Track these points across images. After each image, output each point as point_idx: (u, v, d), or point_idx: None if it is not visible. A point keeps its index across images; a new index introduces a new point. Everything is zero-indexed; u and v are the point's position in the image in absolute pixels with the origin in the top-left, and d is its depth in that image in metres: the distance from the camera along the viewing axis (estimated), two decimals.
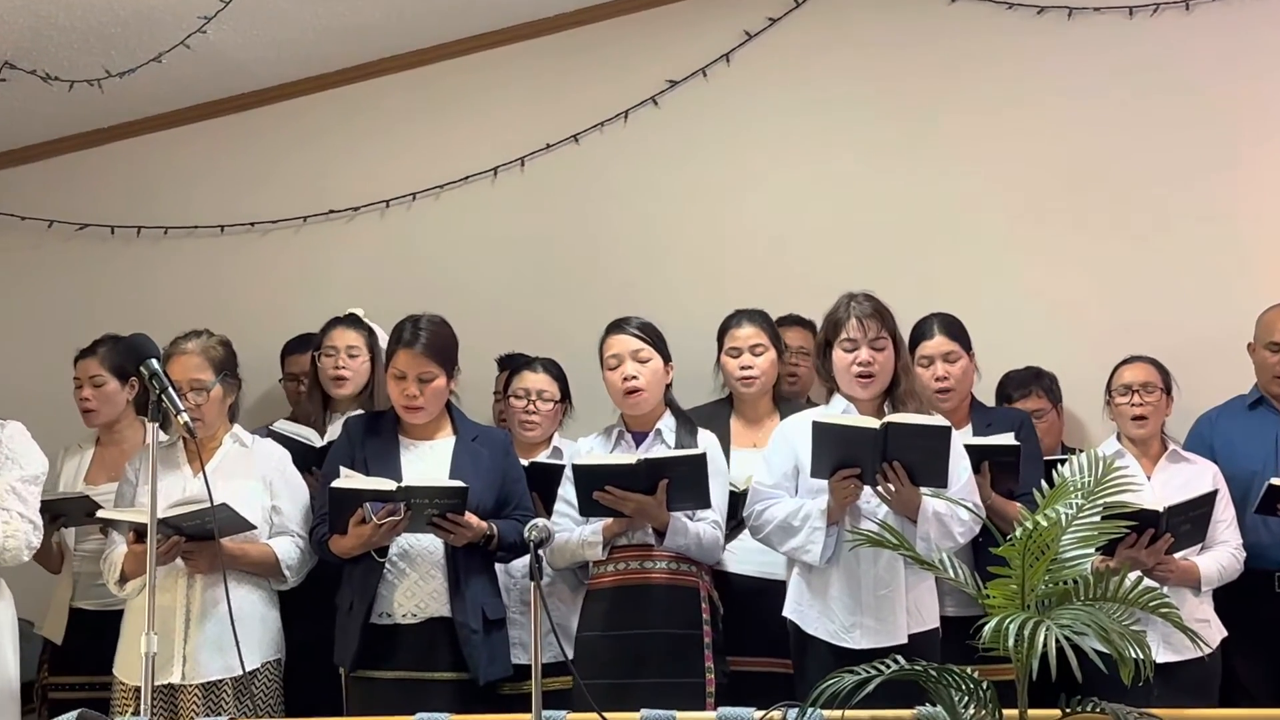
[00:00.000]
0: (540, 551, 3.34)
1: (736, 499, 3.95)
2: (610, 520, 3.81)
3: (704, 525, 3.82)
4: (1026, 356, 4.70)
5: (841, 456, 3.58)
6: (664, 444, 3.90)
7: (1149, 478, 4.18)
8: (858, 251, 4.99)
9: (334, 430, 4.19)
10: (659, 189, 5.23)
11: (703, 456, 3.74)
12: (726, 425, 4.27)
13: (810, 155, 5.16)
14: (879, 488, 3.61)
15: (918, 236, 5.03)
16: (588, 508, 3.77)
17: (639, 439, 3.94)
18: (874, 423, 3.56)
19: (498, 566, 3.98)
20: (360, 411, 4.24)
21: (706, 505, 3.80)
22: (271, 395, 4.98)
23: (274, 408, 4.85)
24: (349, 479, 3.75)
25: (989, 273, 4.97)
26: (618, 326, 3.98)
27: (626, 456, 3.79)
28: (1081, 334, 4.85)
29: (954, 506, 3.60)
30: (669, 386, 3.99)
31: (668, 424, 3.94)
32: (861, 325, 3.73)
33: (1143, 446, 4.26)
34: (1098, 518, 2.98)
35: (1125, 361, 4.34)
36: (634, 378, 3.89)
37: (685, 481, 3.73)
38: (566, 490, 3.92)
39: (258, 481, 3.94)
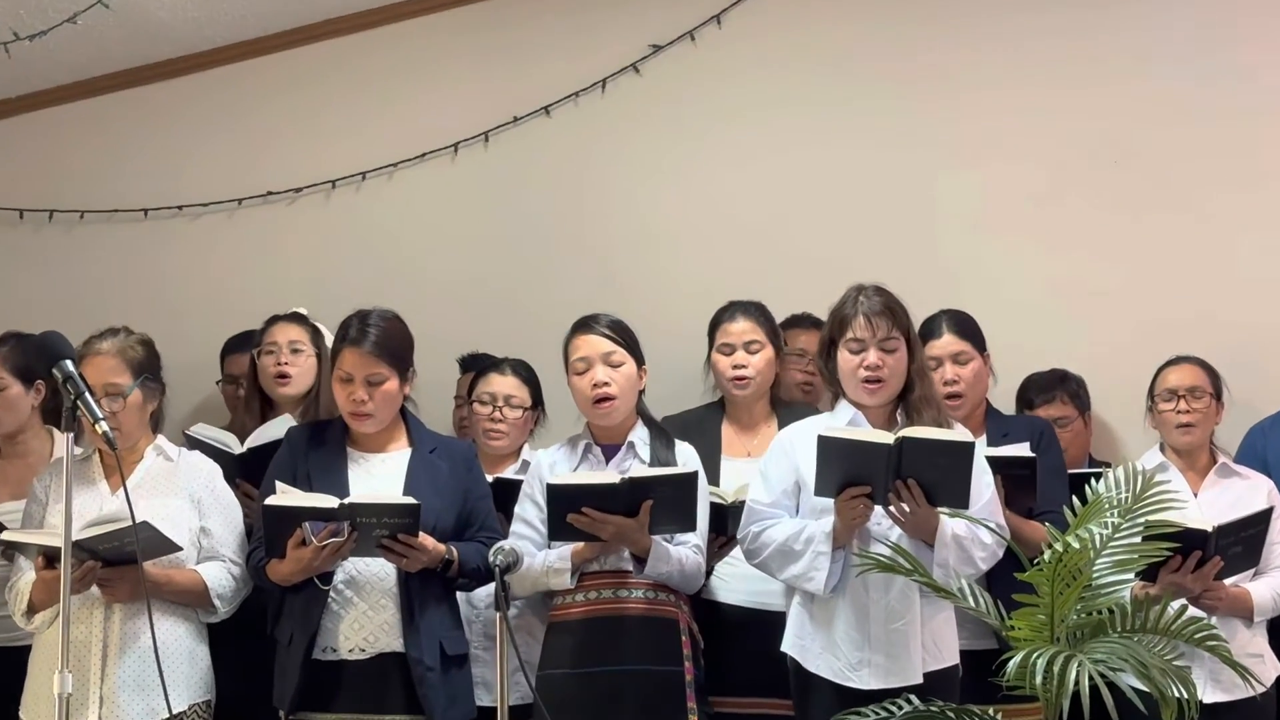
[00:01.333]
0: (507, 578, 3.35)
1: (725, 513, 3.94)
2: (580, 545, 3.80)
3: (685, 550, 3.82)
4: (1050, 358, 4.71)
5: (850, 473, 3.58)
6: (637, 458, 3.90)
7: (1195, 494, 4.18)
8: (865, 238, 5.01)
9: (261, 435, 4.18)
10: (642, 167, 5.24)
11: (694, 476, 3.75)
12: (717, 431, 4.28)
13: (812, 130, 5.16)
14: (891, 508, 3.59)
15: (931, 221, 5.05)
16: (559, 531, 3.76)
17: (609, 453, 3.94)
18: (886, 437, 3.56)
19: (459, 596, 3.96)
20: (302, 420, 4.24)
21: (691, 528, 3.80)
22: (207, 403, 4.99)
23: (210, 417, 4.84)
24: (285, 495, 3.74)
25: (1009, 263, 4.99)
26: (585, 325, 3.97)
27: (604, 475, 3.78)
28: (1114, 332, 4.86)
29: (975, 528, 3.59)
30: (642, 393, 3.98)
31: (640, 436, 3.94)
32: (869, 324, 3.73)
33: (1189, 459, 4.26)
34: (1137, 538, 2.98)
35: (1170, 363, 4.35)
36: (605, 384, 3.89)
37: (672, 503, 3.73)
38: (525, 509, 3.92)
39: (185, 499, 3.91)
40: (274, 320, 4.55)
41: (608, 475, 3.76)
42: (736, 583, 4.08)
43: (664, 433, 3.96)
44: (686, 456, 3.91)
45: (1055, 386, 4.62)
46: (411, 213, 5.30)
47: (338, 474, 3.85)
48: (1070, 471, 4.17)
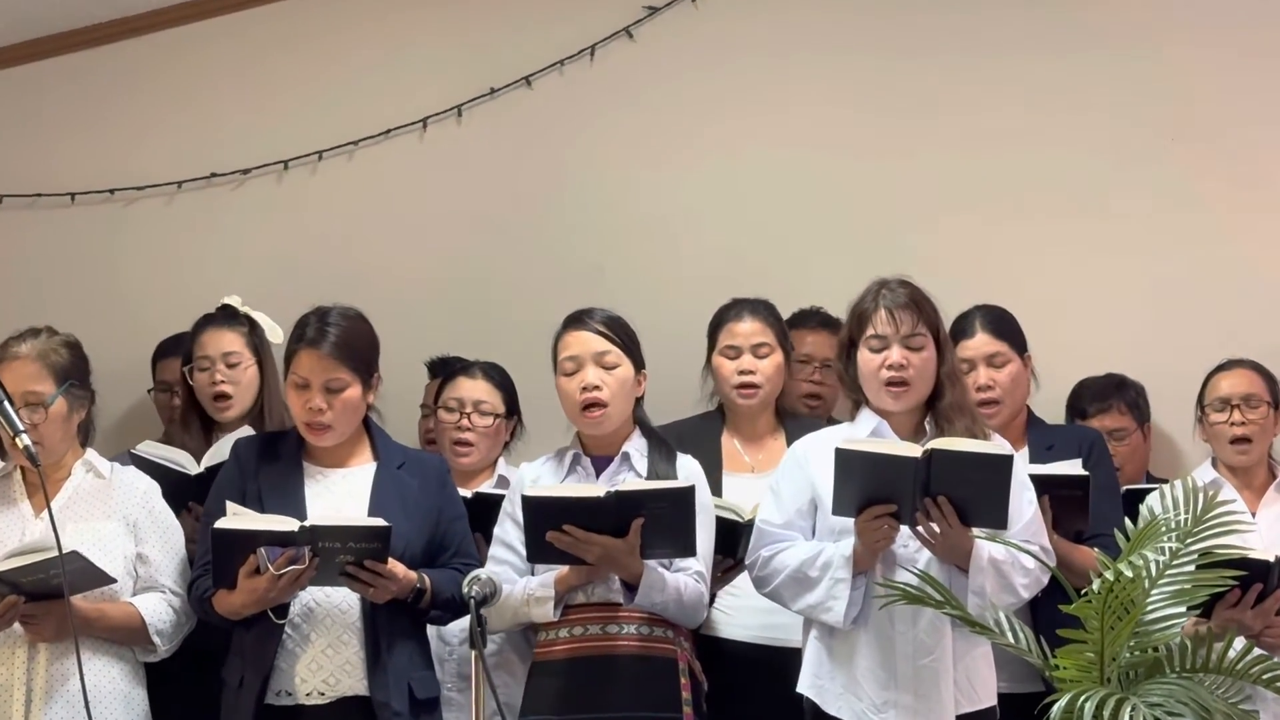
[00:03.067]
0: (483, 611, 3.36)
1: (739, 533, 3.93)
2: (566, 570, 3.79)
3: (685, 578, 3.80)
4: (1101, 361, 4.73)
5: (872, 489, 3.58)
6: (633, 471, 3.88)
7: (1253, 514, 4.18)
8: (888, 227, 5.01)
9: (218, 452, 4.17)
10: (635, 146, 5.24)
11: (690, 491, 3.74)
12: (716, 444, 4.28)
13: (830, 105, 5.17)
14: (920, 528, 3.60)
15: (965, 207, 5.05)
16: (538, 552, 3.75)
17: (600, 465, 3.93)
18: (914, 450, 3.55)
19: (430, 631, 3.96)
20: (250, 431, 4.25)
21: (690, 553, 3.78)
22: (140, 411, 4.99)
23: (144, 427, 4.84)
24: (237, 517, 3.73)
25: (1053, 254, 4.98)
26: (578, 320, 3.97)
27: (591, 488, 3.78)
28: (1174, 333, 4.87)
29: (1015, 552, 3.60)
30: (640, 400, 3.98)
31: (637, 446, 3.93)
32: (893, 318, 3.74)
33: (1244, 476, 4.27)
34: (1193, 566, 2.99)
35: (1221, 368, 4.35)
36: (596, 387, 3.88)
37: (666, 521, 3.70)
38: (505, 530, 3.91)
39: (118, 522, 3.92)
40: (202, 325, 4.49)
41: (592, 488, 3.76)
42: (742, 615, 4.08)
43: (664, 444, 3.94)
44: (689, 471, 3.90)
45: (1111, 394, 4.62)
46: (375, 197, 5.30)
47: (293, 492, 3.84)
48: (1128, 488, 4.18)
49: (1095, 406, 4.61)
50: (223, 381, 4.41)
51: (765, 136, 5.19)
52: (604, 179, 5.25)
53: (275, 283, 4.87)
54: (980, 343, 4.25)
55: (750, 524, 3.89)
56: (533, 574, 3.85)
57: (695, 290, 4.72)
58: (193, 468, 4.21)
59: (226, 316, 4.50)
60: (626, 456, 3.91)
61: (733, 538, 3.95)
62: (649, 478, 3.84)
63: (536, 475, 3.94)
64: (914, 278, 3.83)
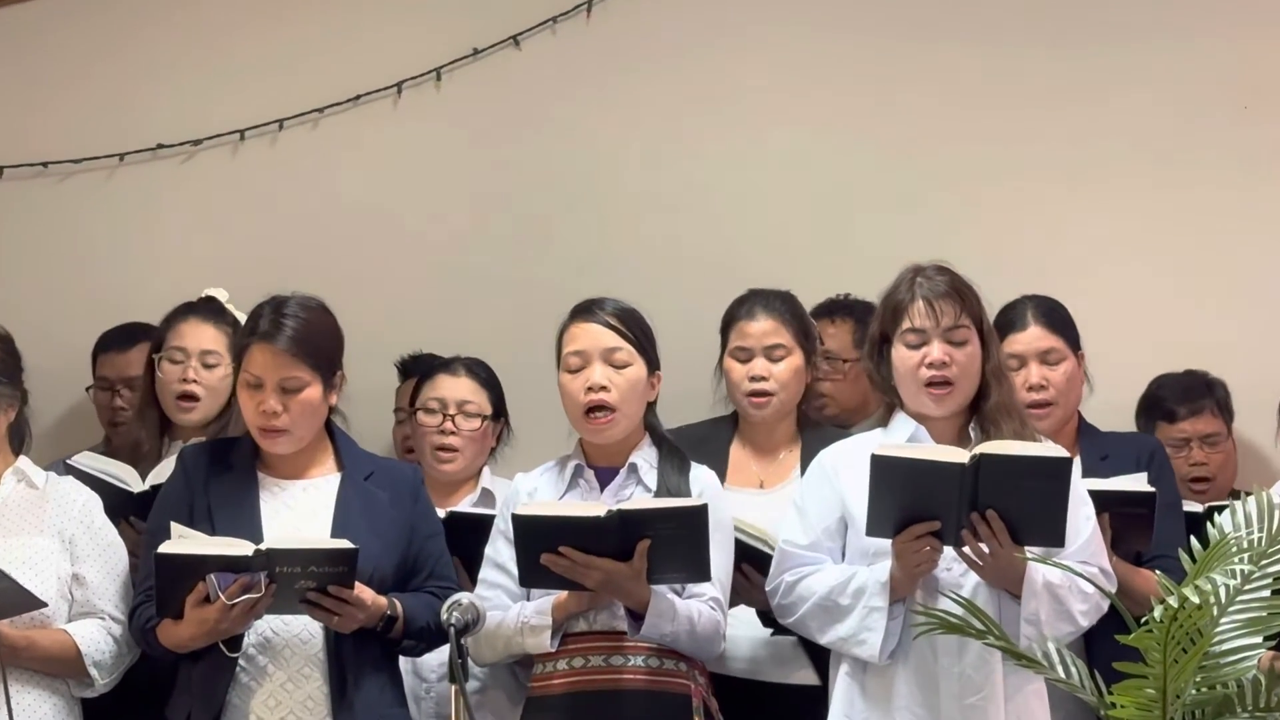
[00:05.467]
0: (465, 641, 3.38)
1: (766, 563, 3.91)
2: (564, 595, 3.79)
3: (699, 605, 3.80)
4: (1164, 359, 4.74)
5: (912, 504, 3.57)
6: (640, 485, 3.89)
7: None
8: (928, 208, 5.02)
9: (167, 468, 4.16)
10: (635, 114, 5.24)
11: (702, 510, 3.72)
12: (723, 453, 4.29)
13: (862, 67, 5.18)
14: (966, 548, 3.60)
15: (1005, 185, 5.06)
16: (531, 575, 3.75)
17: (605, 478, 3.94)
18: (959, 456, 3.55)
19: (404, 665, 3.97)
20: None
21: (704, 577, 3.78)
22: (78, 412, 5.00)
23: (81, 431, 4.86)
24: (183, 540, 3.71)
25: (1109, 237, 4.99)
26: (587, 311, 3.96)
27: (590, 506, 3.77)
28: (1249, 326, 4.89)
29: (1073, 575, 3.58)
30: (652, 405, 3.98)
31: (647, 457, 3.93)
32: (932, 310, 3.74)
33: None
34: (1268, 591, 2.98)
35: None
36: (603, 388, 3.88)
37: (676, 543, 3.71)
38: (497, 549, 3.91)
39: (53, 538, 3.92)
40: (183, 314, 4.50)
41: (592, 506, 3.76)
42: (732, 647, 4.04)
43: (677, 453, 3.95)
44: (704, 485, 3.90)
45: (1203, 394, 4.62)
46: (342, 172, 5.30)
47: (246, 507, 3.84)
48: (1210, 505, 4.16)
49: (1186, 408, 4.60)
50: (194, 381, 4.43)
51: (786, 103, 5.19)
52: (601, 151, 5.25)
53: (226, 268, 4.87)
54: (1033, 336, 4.26)
55: (740, 545, 3.91)
56: (528, 599, 3.85)
57: (706, 278, 4.76)
58: (136, 484, 4.20)
59: (210, 309, 4.51)
60: (634, 468, 3.92)
61: (758, 565, 3.94)
62: (659, 492, 3.85)
63: (534, 487, 3.94)
64: (953, 264, 3.83)
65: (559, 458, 4.00)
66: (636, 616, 3.75)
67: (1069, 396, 4.27)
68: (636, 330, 3.95)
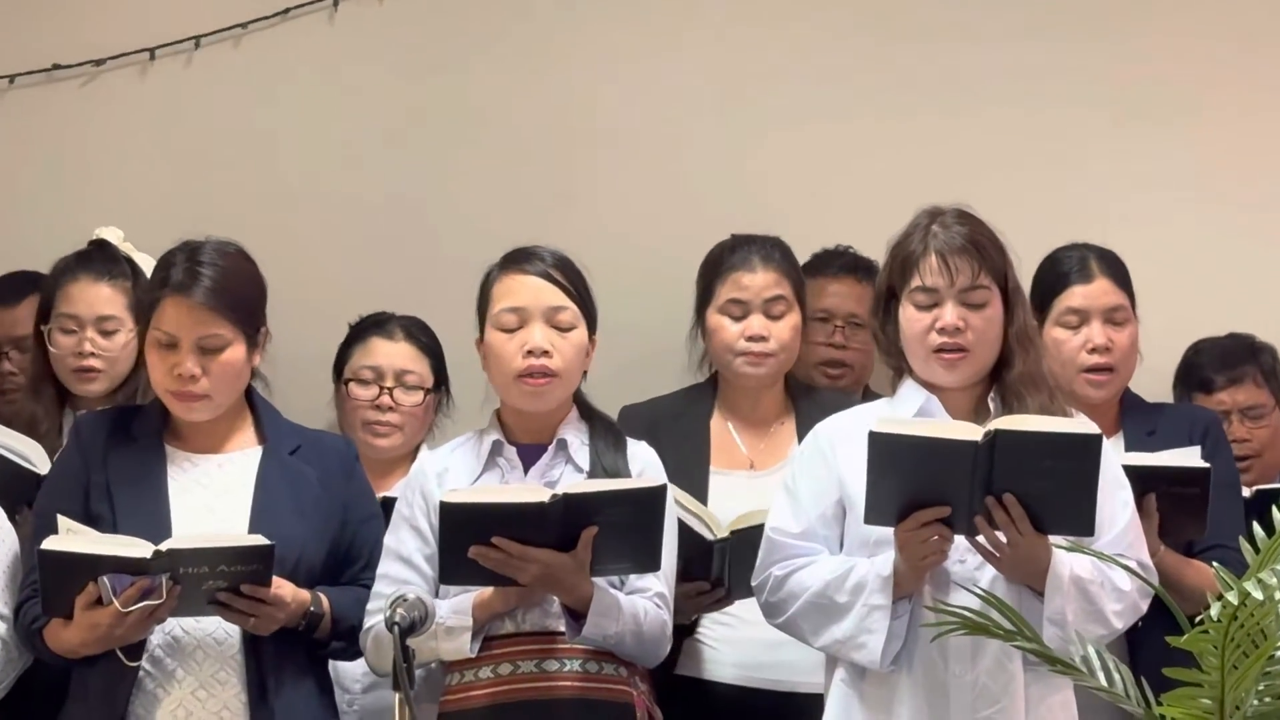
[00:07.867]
0: (409, 642, 3.37)
1: (711, 551, 3.96)
2: (487, 592, 3.79)
3: (644, 602, 3.83)
4: (1205, 325, 4.78)
5: (918, 487, 3.57)
6: (571, 464, 3.91)
7: None
8: (945, 150, 5.04)
9: None
10: (609, 34, 5.23)
11: (661, 491, 3.79)
12: (703, 429, 4.32)
13: None
14: (981, 537, 3.61)
15: (1035, 125, 5.09)
16: (454, 571, 3.75)
17: (529, 456, 3.93)
18: (972, 431, 3.56)
19: (332, 668, 4.01)
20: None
21: (653, 567, 3.81)
22: None
23: None
24: (70, 536, 3.70)
25: (1154, 180, 4.99)
26: (524, 259, 3.96)
27: (530, 490, 3.78)
28: None
29: (1107, 567, 3.59)
30: (584, 373, 4.00)
31: (576, 432, 3.96)
32: (947, 266, 3.75)
33: None
34: None
35: None
36: (544, 351, 3.88)
37: (626, 530, 3.73)
38: (401, 540, 3.89)
39: None
40: (69, 272, 4.48)
41: (532, 490, 3.76)
42: (735, 649, 4.12)
43: (610, 428, 3.99)
44: (644, 463, 3.94)
45: (1245, 359, 4.64)
46: (268, 97, 5.27)
47: (151, 484, 3.85)
48: (1259, 489, 4.19)
49: (1225, 376, 4.62)
50: (92, 353, 4.43)
51: (781, 27, 5.20)
52: (570, 77, 5.24)
53: (134, 207, 4.88)
54: (1100, 290, 4.27)
55: (723, 545, 3.95)
56: (435, 595, 3.82)
57: (685, 224, 4.76)
58: (43, 464, 4.19)
59: (103, 260, 4.49)
60: (564, 445, 3.94)
61: (704, 556, 3.98)
62: (593, 472, 3.88)
63: (443, 468, 3.95)
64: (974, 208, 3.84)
65: (470, 432, 4.01)
66: (576, 615, 3.77)
67: (1128, 364, 4.31)
68: (581, 288, 3.99)
